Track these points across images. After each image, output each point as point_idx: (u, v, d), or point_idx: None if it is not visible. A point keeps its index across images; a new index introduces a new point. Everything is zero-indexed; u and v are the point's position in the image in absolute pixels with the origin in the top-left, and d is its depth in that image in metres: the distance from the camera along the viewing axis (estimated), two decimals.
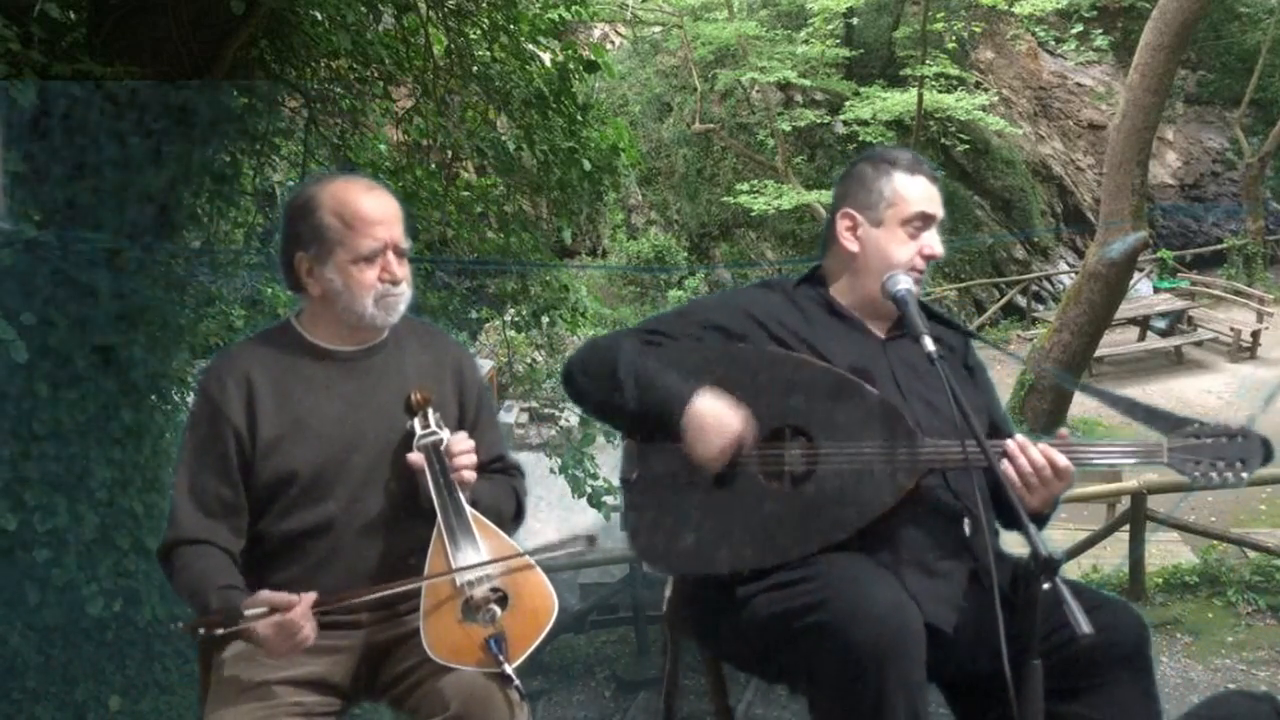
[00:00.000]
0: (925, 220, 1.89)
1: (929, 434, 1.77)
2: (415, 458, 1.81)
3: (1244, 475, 1.73)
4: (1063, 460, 1.73)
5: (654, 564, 1.82)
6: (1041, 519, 1.82)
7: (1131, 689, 1.69)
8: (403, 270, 1.86)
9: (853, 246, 1.90)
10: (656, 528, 1.81)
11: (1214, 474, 1.73)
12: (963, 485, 1.79)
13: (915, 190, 1.89)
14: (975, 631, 1.69)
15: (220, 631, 1.67)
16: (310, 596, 1.67)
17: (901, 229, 1.88)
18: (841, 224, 1.91)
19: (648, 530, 1.82)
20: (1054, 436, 1.78)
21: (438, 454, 1.82)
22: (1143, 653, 1.72)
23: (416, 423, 1.85)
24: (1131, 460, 1.79)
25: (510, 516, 1.98)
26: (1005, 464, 1.73)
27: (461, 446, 1.83)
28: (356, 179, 1.93)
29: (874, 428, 1.76)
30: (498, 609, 1.72)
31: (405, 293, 1.87)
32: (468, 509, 1.81)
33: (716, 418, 1.74)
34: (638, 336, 1.88)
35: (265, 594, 1.66)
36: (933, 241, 1.90)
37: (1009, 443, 1.76)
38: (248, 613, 1.64)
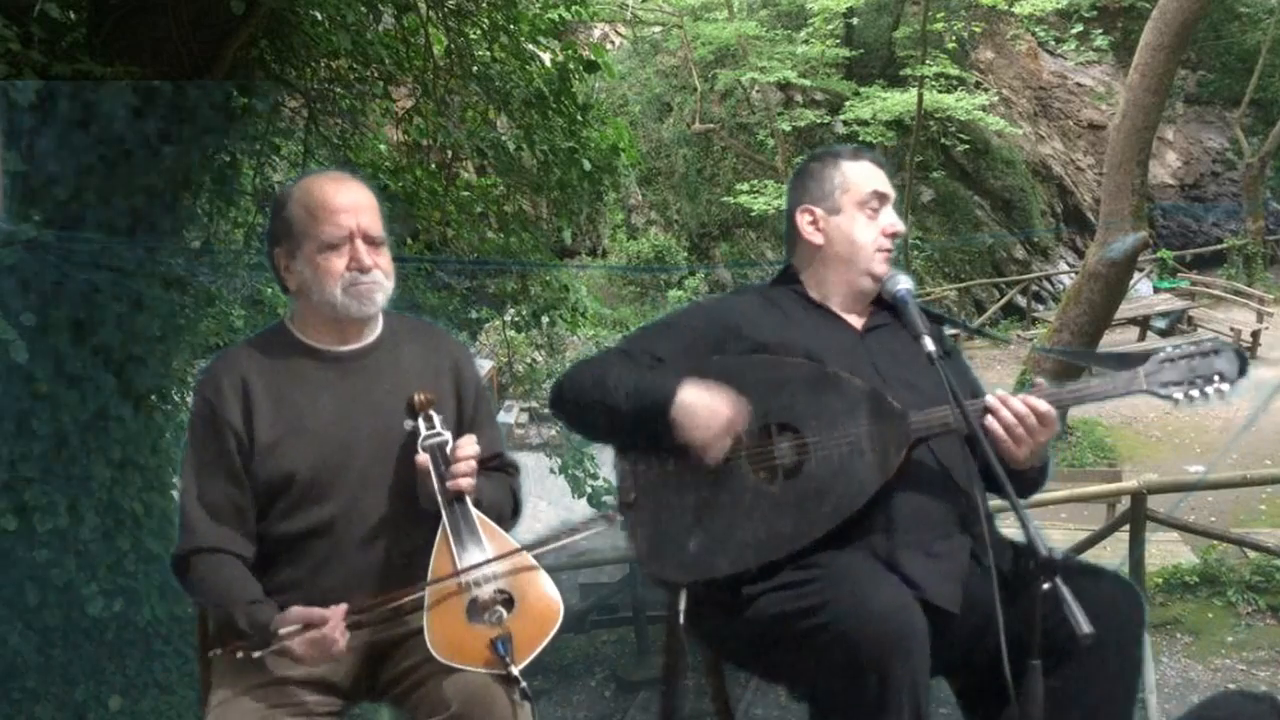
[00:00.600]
0: (880, 199, 1.94)
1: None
2: (421, 458, 1.81)
3: (1224, 388, 1.73)
4: (1044, 405, 1.74)
5: (664, 578, 1.83)
6: (1031, 480, 1.83)
7: (1117, 661, 1.70)
8: (375, 259, 1.84)
9: (817, 239, 1.95)
10: (662, 544, 1.82)
11: (1195, 393, 1.73)
12: (952, 460, 1.80)
13: (863, 172, 1.95)
14: (979, 611, 1.69)
15: (257, 654, 1.68)
16: (342, 608, 1.69)
17: (859, 211, 1.93)
18: (802, 220, 1.96)
19: (654, 548, 1.83)
20: (1031, 387, 1.79)
21: (443, 455, 1.82)
22: (1134, 627, 1.72)
23: (421, 423, 1.84)
24: (1113, 395, 1.79)
25: (508, 515, 1.98)
26: (989, 419, 1.74)
27: (466, 451, 1.83)
28: (327, 172, 1.94)
29: (858, 412, 1.78)
30: (504, 611, 1.72)
31: (380, 282, 1.85)
32: (473, 510, 1.81)
33: (706, 404, 1.76)
34: (620, 353, 1.91)
35: (297, 611, 1.68)
36: (892, 219, 1.95)
37: (989, 398, 1.77)
38: (282, 631, 1.66)
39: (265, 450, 1.81)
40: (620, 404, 1.80)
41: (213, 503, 1.80)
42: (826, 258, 1.94)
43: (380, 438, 1.86)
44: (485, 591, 1.73)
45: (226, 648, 1.70)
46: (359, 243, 1.83)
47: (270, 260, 1.90)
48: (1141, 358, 1.78)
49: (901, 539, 1.74)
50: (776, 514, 1.76)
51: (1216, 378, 1.73)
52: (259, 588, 1.77)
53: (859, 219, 1.92)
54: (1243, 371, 1.74)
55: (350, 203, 1.84)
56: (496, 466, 2.00)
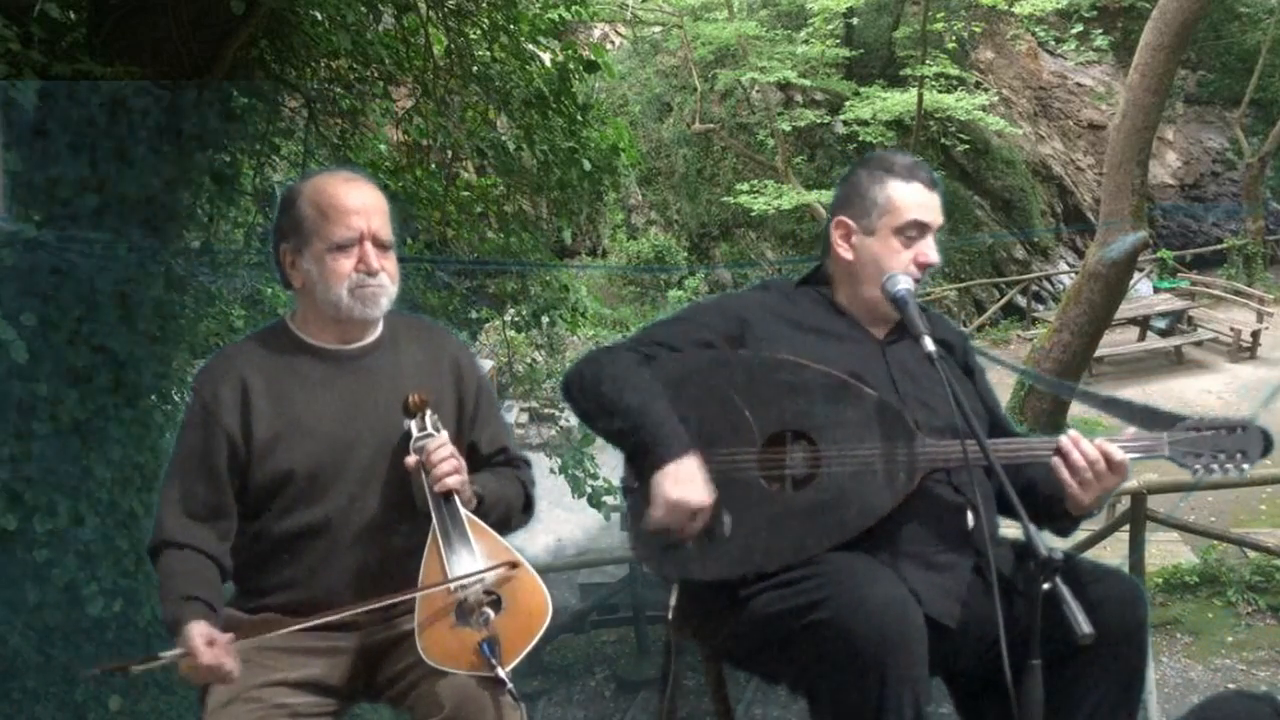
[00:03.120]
0: (920, 229, 1.86)
1: (928, 435, 1.77)
2: (411, 459, 1.80)
3: (1245, 467, 1.74)
4: (1118, 452, 1.72)
5: (658, 570, 1.82)
6: (1076, 521, 1.83)
7: (1122, 662, 1.70)
8: (383, 262, 1.84)
9: (847, 254, 1.90)
10: (658, 536, 1.81)
11: (1215, 466, 1.73)
12: (964, 479, 1.79)
13: (909, 198, 1.86)
14: (979, 625, 1.69)
15: (135, 669, 1.73)
16: (227, 636, 1.68)
17: (895, 238, 1.86)
18: (836, 232, 1.91)
19: (650, 540, 1.81)
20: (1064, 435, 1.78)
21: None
22: (1136, 626, 1.72)
23: (413, 425, 1.84)
24: (1133, 455, 1.78)
25: (519, 509, 1.97)
26: (1056, 460, 1.73)
27: (441, 452, 1.79)
28: (339, 171, 1.94)
29: (874, 429, 1.76)
30: (491, 612, 1.70)
31: (386, 285, 1.85)
32: (463, 512, 1.79)
33: (680, 492, 1.71)
34: (635, 350, 1.87)
35: (192, 630, 1.66)
36: (928, 249, 1.87)
37: (1062, 439, 1.75)
38: (164, 655, 1.67)
39: (263, 448, 1.81)
40: (617, 421, 1.77)
41: (188, 500, 1.79)
42: (853, 275, 1.90)
43: (379, 437, 1.85)
44: (472, 594, 1.72)
45: (98, 667, 1.78)
46: (368, 245, 1.83)
47: (275, 256, 1.89)
48: (1169, 419, 1.78)
49: (904, 549, 1.74)
50: (780, 524, 1.74)
51: (1239, 455, 1.73)
52: (211, 586, 1.77)
53: (892, 244, 1.85)
54: (1266, 452, 1.74)
55: (362, 204, 1.83)
56: (504, 461, 1.99)
